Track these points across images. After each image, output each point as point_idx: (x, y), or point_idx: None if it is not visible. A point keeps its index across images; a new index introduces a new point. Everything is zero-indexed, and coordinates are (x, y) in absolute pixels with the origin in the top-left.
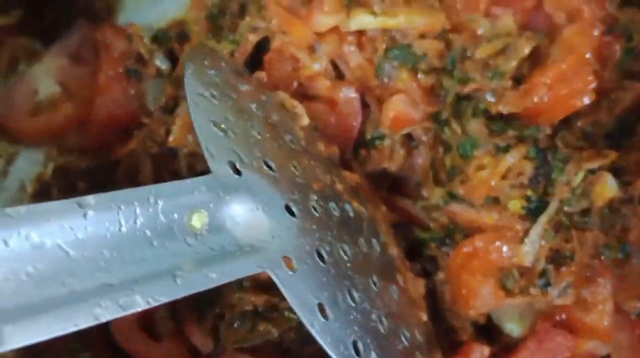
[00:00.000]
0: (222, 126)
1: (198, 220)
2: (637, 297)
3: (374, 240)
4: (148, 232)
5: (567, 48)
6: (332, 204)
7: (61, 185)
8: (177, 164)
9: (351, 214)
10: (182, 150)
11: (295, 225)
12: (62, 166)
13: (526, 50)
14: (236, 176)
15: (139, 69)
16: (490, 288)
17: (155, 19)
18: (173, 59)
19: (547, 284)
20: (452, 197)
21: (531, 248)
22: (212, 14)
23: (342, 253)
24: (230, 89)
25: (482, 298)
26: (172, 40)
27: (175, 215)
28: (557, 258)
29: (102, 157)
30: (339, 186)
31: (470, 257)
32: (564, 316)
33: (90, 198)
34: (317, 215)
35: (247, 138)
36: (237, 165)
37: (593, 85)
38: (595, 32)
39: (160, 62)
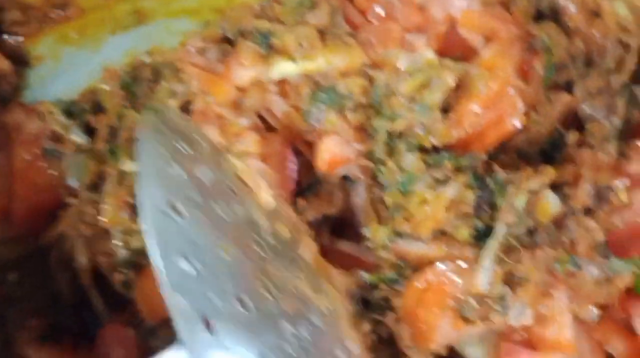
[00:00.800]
0: (192, 259)
1: None
2: (592, 303)
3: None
4: None
5: (490, 71)
6: (303, 328)
7: None
8: (111, 243)
9: (322, 326)
10: (117, 228)
11: None
12: None
13: (450, 81)
14: (209, 336)
15: (56, 147)
16: (449, 320)
17: (64, 91)
18: (90, 131)
19: (507, 307)
20: (398, 234)
21: (485, 275)
22: (125, 83)
23: None
24: (194, 186)
25: (442, 331)
26: (86, 112)
27: None
28: (512, 281)
29: (31, 245)
30: (304, 286)
31: (424, 291)
32: (524, 334)
33: None
34: (294, 355)
35: (219, 266)
36: (210, 319)
37: (522, 107)
38: (515, 51)
39: (78, 137)
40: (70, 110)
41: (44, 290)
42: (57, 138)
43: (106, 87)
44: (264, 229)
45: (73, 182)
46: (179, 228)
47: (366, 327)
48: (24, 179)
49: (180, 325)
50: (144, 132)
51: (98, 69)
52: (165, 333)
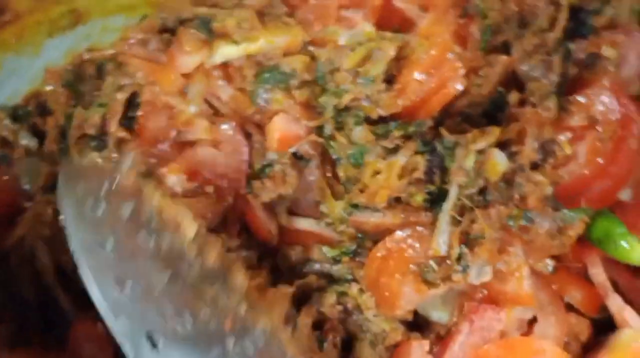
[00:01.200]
0: (127, 284)
1: None
2: (547, 255)
3: None
4: None
5: (428, 39)
6: (247, 344)
7: None
8: None
9: (264, 343)
10: None
11: None
12: None
13: (391, 52)
14: (156, 354)
15: (6, 152)
16: (412, 285)
17: (8, 96)
18: (39, 133)
19: (467, 267)
20: (354, 206)
21: (442, 238)
22: (68, 82)
23: None
24: (116, 219)
25: (406, 296)
26: (33, 114)
27: None
28: (469, 240)
29: None
30: (241, 308)
31: (385, 260)
32: (485, 291)
33: None
34: None
35: (154, 288)
36: (155, 336)
37: (462, 71)
38: (450, 18)
39: (27, 141)
40: (17, 114)
41: (5, 296)
42: (6, 144)
43: (49, 88)
44: (190, 257)
45: (27, 186)
46: (109, 258)
47: (332, 298)
48: None
49: (125, 346)
50: (62, 177)
51: (40, 73)
52: None
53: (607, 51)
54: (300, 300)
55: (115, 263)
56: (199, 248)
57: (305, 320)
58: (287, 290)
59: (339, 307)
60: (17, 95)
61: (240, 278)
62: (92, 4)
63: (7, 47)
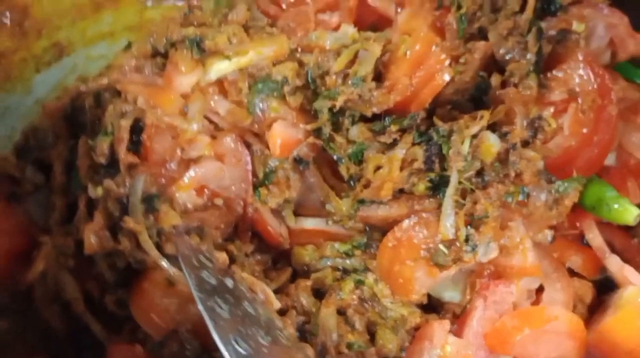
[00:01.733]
0: (242, 343)
1: None
2: (546, 226)
3: None
4: None
5: (410, 35)
6: None
7: None
8: (96, 268)
9: None
10: (100, 253)
11: None
12: None
13: (377, 51)
14: None
15: (15, 190)
16: (424, 270)
17: (6, 134)
18: (44, 168)
19: (475, 246)
20: (361, 202)
21: (449, 221)
22: (67, 115)
23: None
24: (224, 289)
25: (419, 281)
26: (35, 149)
27: None
28: (473, 221)
29: (12, 289)
30: None
31: (396, 249)
32: (492, 268)
33: None
34: None
35: (262, 349)
36: None
37: (447, 61)
38: (426, 11)
39: (33, 176)
40: (19, 151)
41: (35, 330)
42: (13, 181)
43: (47, 123)
44: (280, 326)
45: (41, 220)
46: (228, 321)
47: (350, 285)
48: None
49: None
50: (181, 251)
51: (34, 108)
52: (175, 345)
53: (576, 26)
54: (319, 295)
55: (232, 326)
56: (284, 321)
57: (328, 309)
58: (306, 283)
59: (358, 292)
60: (15, 132)
61: (311, 352)
62: (72, 35)
63: None
